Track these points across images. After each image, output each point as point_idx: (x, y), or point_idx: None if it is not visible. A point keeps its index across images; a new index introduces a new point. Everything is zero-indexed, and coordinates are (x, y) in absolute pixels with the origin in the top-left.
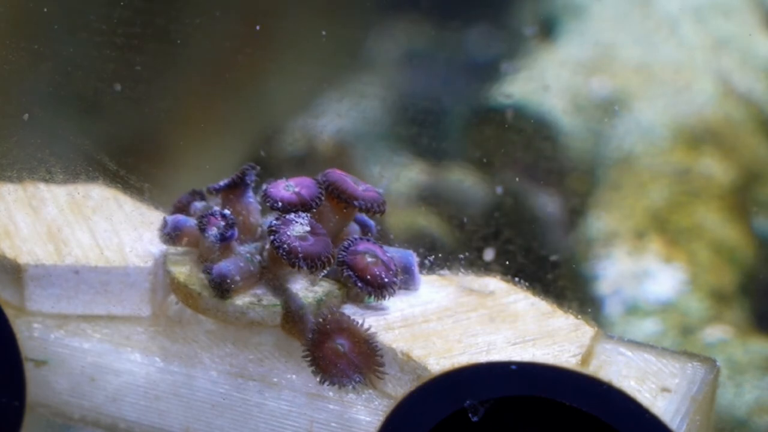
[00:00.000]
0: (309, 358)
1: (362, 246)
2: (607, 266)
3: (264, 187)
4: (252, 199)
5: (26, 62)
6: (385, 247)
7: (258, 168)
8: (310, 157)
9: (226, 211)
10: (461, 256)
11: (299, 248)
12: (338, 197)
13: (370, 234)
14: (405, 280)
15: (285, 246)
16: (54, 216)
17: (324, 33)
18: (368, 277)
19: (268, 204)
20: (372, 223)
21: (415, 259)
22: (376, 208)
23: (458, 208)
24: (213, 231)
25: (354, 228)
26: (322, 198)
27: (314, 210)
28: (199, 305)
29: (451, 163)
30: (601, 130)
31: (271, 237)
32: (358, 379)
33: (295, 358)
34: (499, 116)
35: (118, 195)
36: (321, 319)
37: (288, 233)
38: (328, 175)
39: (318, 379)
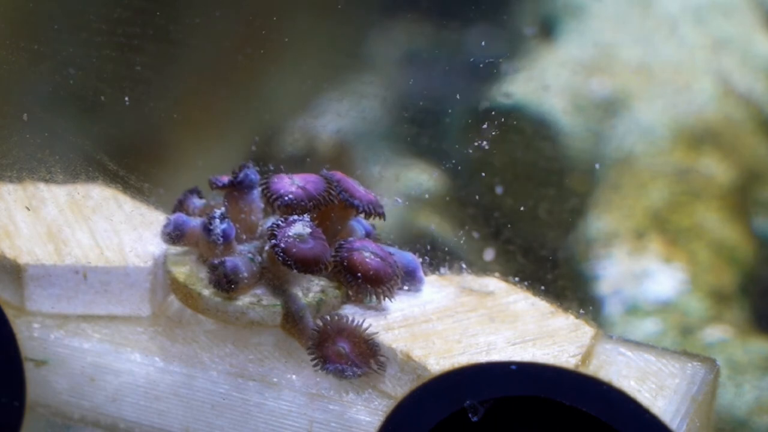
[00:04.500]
0: (313, 359)
1: (359, 243)
2: (607, 266)
3: (265, 182)
4: (256, 197)
5: (26, 62)
6: (386, 248)
7: (252, 164)
8: (310, 157)
9: (220, 211)
10: (461, 256)
11: (295, 250)
12: (339, 195)
13: (369, 237)
14: (409, 281)
15: (281, 246)
16: (54, 216)
17: (311, 32)
18: (364, 273)
19: (273, 199)
20: (370, 227)
21: (417, 261)
22: (372, 210)
23: (458, 208)
24: (217, 230)
25: (355, 229)
26: (333, 193)
27: (322, 206)
28: (199, 305)
29: (451, 163)
30: (601, 130)
31: (271, 240)
32: (359, 372)
33: (295, 358)
34: (499, 116)
35: (118, 195)
36: (321, 323)
37: (288, 233)
38: (331, 175)
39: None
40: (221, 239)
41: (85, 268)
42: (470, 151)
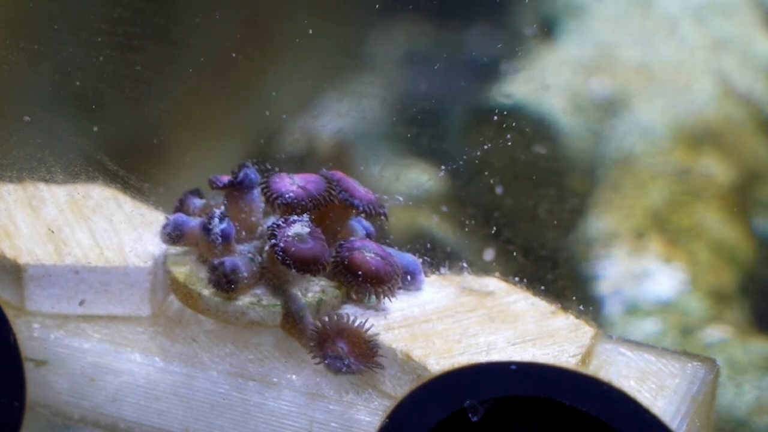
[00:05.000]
0: (314, 357)
1: (359, 243)
2: (607, 266)
3: (265, 181)
4: (256, 197)
5: (26, 62)
6: (387, 248)
7: (253, 165)
8: (310, 157)
9: (219, 211)
10: (462, 257)
11: (294, 249)
12: (339, 194)
13: (370, 237)
14: (410, 283)
15: (281, 245)
16: (54, 216)
17: (311, 31)
18: (365, 272)
19: (273, 198)
20: (371, 228)
21: (419, 262)
22: (372, 210)
23: (458, 208)
24: (216, 229)
25: (355, 229)
26: (333, 193)
27: (323, 206)
28: (199, 305)
29: (451, 164)
30: (601, 130)
31: (271, 240)
32: (354, 368)
33: (295, 358)
34: (499, 116)
35: (118, 195)
36: (320, 324)
37: (287, 233)
38: (331, 174)
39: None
40: (220, 238)
41: (85, 268)
42: (478, 154)
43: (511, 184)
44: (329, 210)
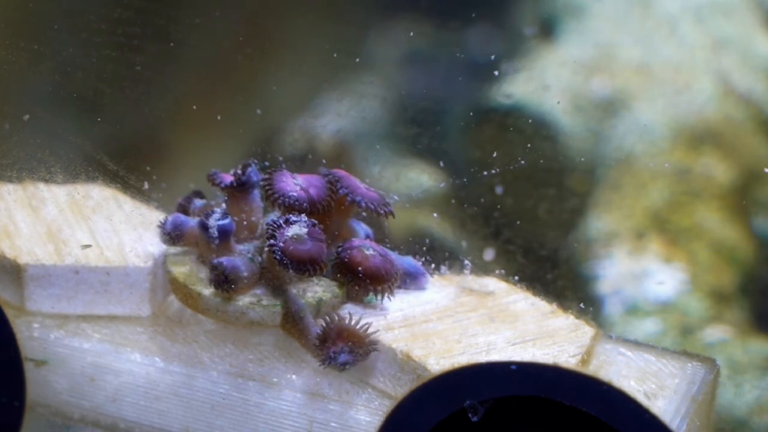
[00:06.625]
0: (316, 358)
1: (357, 242)
2: (607, 266)
3: (268, 179)
4: (257, 197)
5: (26, 62)
6: (388, 251)
7: (256, 162)
8: (310, 157)
9: (220, 209)
10: (462, 257)
11: (292, 249)
12: (340, 191)
13: (369, 239)
14: (412, 284)
15: (279, 246)
16: (54, 216)
17: (311, 31)
18: (366, 269)
19: (275, 198)
20: (370, 230)
21: (420, 266)
22: (374, 207)
23: (458, 207)
24: (212, 224)
25: (356, 230)
26: (334, 198)
27: (321, 213)
28: (199, 305)
29: (451, 163)
30: (601, 130)
31: (269, 240)
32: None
33: (295, 358)
34: (500, 116)
35: (118, 195)
36: (324, 325)
37: (285, 234)
38: (333, 173)
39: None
40: (217, 233)
41: (85, 268)
42: (484, 172)
43: (511, 184)
44: (330, 211)
